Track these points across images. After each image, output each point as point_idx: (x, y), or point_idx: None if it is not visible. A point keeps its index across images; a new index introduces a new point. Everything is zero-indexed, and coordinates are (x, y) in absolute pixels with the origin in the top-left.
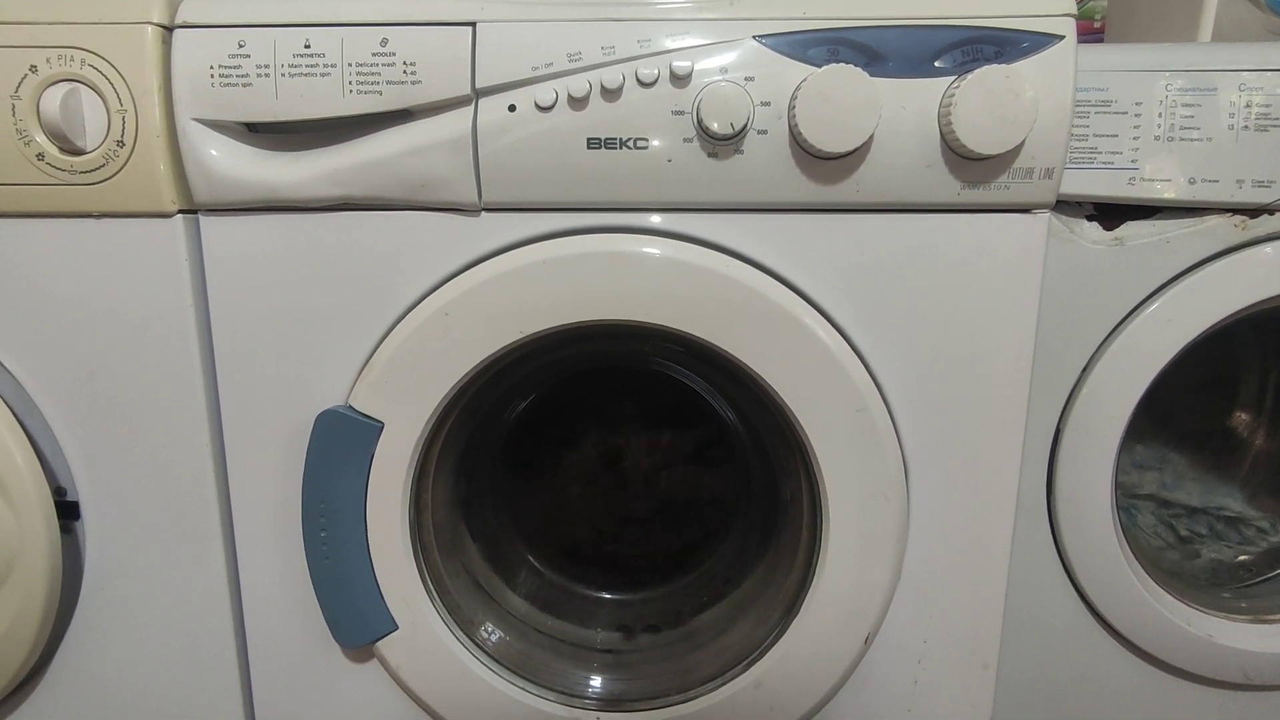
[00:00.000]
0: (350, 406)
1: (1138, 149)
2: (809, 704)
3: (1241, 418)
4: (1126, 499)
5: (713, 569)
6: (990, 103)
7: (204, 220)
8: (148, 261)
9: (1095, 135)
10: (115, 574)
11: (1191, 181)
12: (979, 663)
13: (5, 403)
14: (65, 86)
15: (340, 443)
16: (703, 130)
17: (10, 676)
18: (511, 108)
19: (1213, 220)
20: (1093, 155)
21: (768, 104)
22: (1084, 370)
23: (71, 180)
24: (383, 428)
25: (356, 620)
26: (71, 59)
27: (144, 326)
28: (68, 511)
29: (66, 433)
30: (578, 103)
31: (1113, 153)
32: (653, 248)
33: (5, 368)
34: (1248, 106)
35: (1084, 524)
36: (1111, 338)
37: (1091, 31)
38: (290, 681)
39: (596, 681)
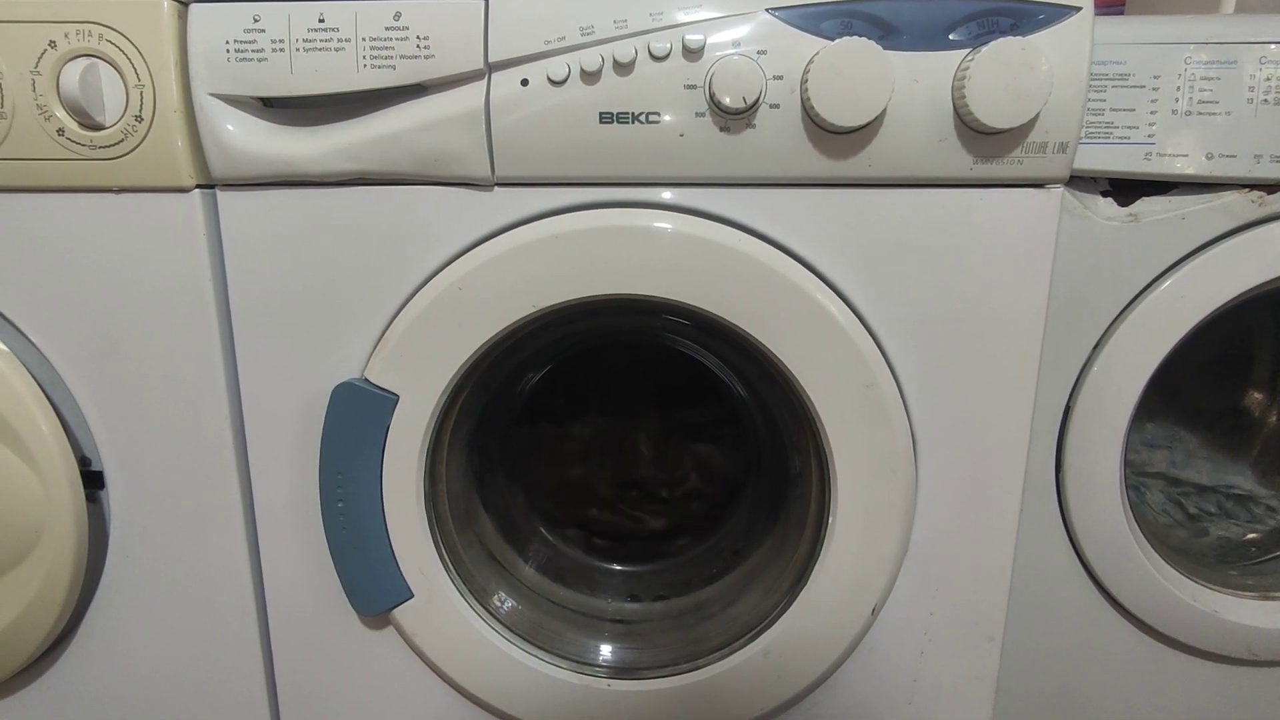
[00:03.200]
0: (366, 379)
1: (1155, 124)
2: (816, 673)
3: (1255, 396)
4: (1136, 477)
5: (722, 541)
6: (1005, 76)
7: (221, 195)
8: (166, 236)
9: (1112, 110)
10: (139, 542)
11: (1209, 157)
12: (984, 635)
13: (31, 374)
14: (84, 62)
15: (356, 415)
16: (715, 104)
17: (41, 639)
18: (524, 82)
19: (1229, 196)
20: (1109, 130)
21: (780, 78)
22: (1095, 347)
23: (91, 155)
24: (398, 400)
25: (373, 588)
26: (89, 34)
27: (164, 300)
28: (93, 481)
29: (90, 404)
30: (590, 77)
31: (1129, 127)
32: (664, 222)
33: (31, 340)
34: (1269, 80)
35: (1092, 501)
36: (1124, 315)
37: (1112, 4)
38: (309, 647)
39: (607, 650)
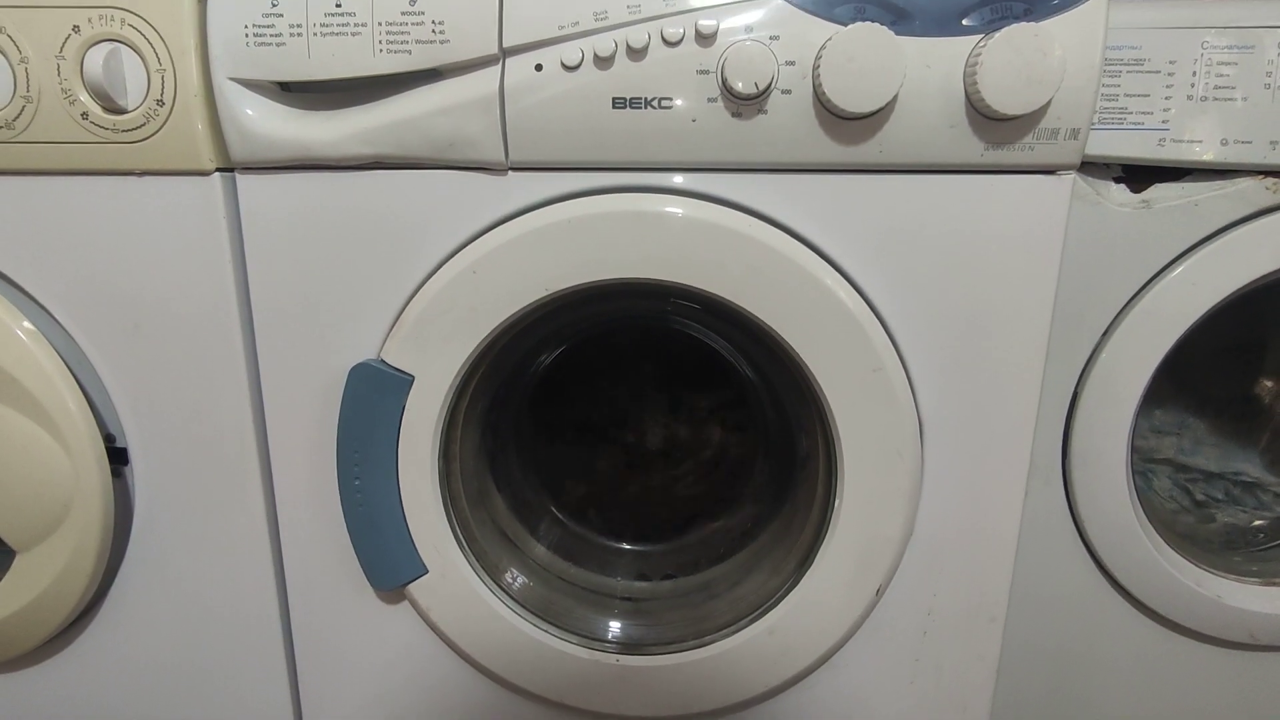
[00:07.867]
0: (382, 360)
1: (1170, 109)
2: (820, 651)
3: (1265, 384)
4: (1143, 463)
5: (730, 522)
6: (1017, 62)
7: (241, 179)
8: (188, 219)
9: (1126, 95)
10: (163, 517)
11: (1224, 143)
12: (986, 615)
13: (58, 353)
14: (107, 46)
15: (373, 395)
16: (727, 90)
17: (69, 609)
18: (538, 67)
19: (1244, 183)
20: (1123, 116)
21: (792, 63)
22: (1104, 334)
23: (114, 139)
24: (413, 381)
25: (389, 564)
26: (112, 19)
27: (185, 281)
28: (118, 457)
29: (114, 382)
30: (603, 62)
31: (1143, 113)
32: (676, 207)
33: (57, 320)
34: None
35: (1098, 486)
36: (1134, 301)
37: None
38: (327, 621)
39: (616, 626)
